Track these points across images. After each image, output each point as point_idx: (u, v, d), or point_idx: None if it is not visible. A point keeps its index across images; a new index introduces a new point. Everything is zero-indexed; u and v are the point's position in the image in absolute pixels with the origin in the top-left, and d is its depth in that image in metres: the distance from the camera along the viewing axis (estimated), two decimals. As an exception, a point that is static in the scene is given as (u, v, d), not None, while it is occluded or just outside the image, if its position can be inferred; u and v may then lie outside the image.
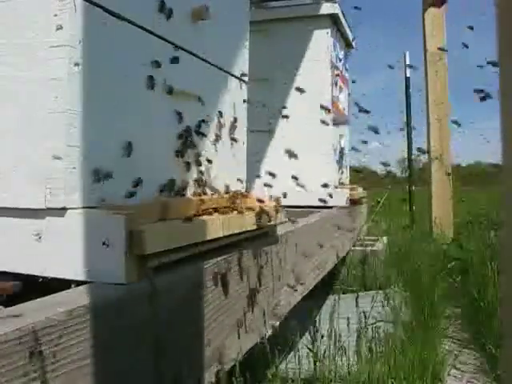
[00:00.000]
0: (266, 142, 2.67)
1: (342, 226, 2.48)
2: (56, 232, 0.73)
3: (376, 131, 1.11)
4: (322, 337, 1.40)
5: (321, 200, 1.54)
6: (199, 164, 1.11)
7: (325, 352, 1.35)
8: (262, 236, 1.22)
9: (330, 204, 2.45)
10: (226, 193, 1.17)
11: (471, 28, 1.44)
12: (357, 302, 1.39)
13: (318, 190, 2.16)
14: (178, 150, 1.02)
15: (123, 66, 0.84)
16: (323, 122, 1.55)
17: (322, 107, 1.60)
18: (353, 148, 2.91)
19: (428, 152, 3.86)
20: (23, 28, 0.75)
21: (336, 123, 2.29)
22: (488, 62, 1.00)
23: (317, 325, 1.37)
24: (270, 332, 1.19)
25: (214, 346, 0.89)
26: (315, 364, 1.33)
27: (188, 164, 1.06)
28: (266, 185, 1.21)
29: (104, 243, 0.70)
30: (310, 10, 2.68)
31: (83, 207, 0.74)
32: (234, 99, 1.31)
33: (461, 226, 3.97)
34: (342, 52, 3.02)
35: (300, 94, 1.61)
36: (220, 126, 1.22)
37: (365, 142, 1.45)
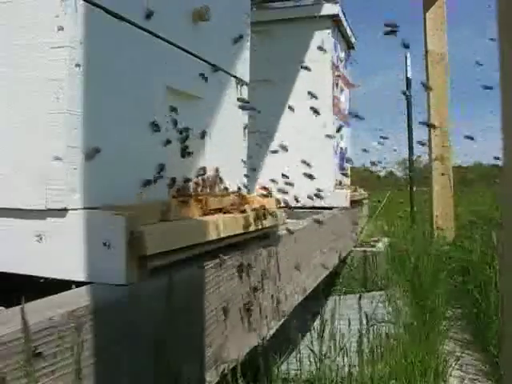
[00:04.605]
0: (266, 142, 2.66)
1: (343, 226, 2.48)
2: (57, 233, 0.73)
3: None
4: (323, 337, 1.40)
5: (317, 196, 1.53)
6: (200, 164, 1.11)
7: (326, 353, 1.34)
8: (263, 236, 1.22)
9: (331, 205, 2.46)
10: (228, 193, 1.17)
11: None
12: (359, 302, 1.38)
13: (319, 191, 2.15)
14: (178, 151, 1.02)
15: (124, 66, 0.84)
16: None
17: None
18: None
19: (429, 153, 3.86)
20: (24, 29, 0.75)
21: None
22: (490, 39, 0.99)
23: (318, 325, 1.37)
24: (271, 332, 1.19)
25: (215, 346, 0.89)
26: (317, 365, 1.33)
27: (189, 164, 1.05)
28: (264, 188, 1.21)
29: (105, 244, 0.70)
30: (311, 11, 2.68)
31: (84, 208, 0.74)
32: (234, 100, 1.31)
33: (462, 227, 3.96)
34: (343, 53, 3.02)
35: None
36: (220, 126, 1.22)
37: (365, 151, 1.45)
